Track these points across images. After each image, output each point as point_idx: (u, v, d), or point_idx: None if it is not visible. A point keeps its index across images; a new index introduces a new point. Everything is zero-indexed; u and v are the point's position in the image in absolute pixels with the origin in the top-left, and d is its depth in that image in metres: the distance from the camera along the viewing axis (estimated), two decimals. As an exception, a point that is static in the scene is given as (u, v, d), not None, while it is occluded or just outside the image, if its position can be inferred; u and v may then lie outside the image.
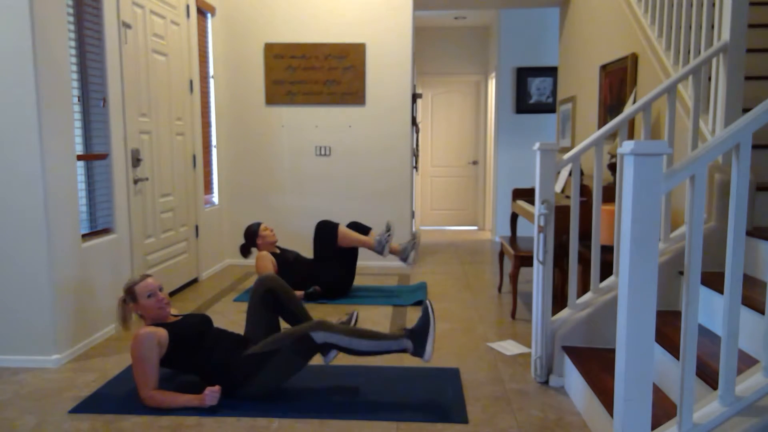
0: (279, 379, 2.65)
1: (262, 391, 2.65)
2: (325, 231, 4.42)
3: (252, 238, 4.48)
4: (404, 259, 4.48)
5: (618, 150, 1.68)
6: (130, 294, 2.69)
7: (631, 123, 3.85)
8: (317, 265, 4.47)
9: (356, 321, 3.15)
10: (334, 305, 4.27)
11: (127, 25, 3.81)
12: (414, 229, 4.59)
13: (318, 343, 2.61)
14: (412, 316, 4.00)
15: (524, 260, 3.91)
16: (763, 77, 3.24)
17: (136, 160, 3.90)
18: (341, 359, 3.15)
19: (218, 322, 3.84)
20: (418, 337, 2.64)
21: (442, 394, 2.74)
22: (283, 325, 3.36)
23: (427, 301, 2.71)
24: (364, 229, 4.54)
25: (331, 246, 4.40)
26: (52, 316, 3.08)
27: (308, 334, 2.61)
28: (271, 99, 5.61)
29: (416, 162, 6.72)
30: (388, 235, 4.39)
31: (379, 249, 4.39)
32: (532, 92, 7.15)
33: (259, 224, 4.49)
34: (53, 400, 2.70)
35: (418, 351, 2.63)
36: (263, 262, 4.33)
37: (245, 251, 4.56)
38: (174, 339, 2.61)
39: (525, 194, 4.91)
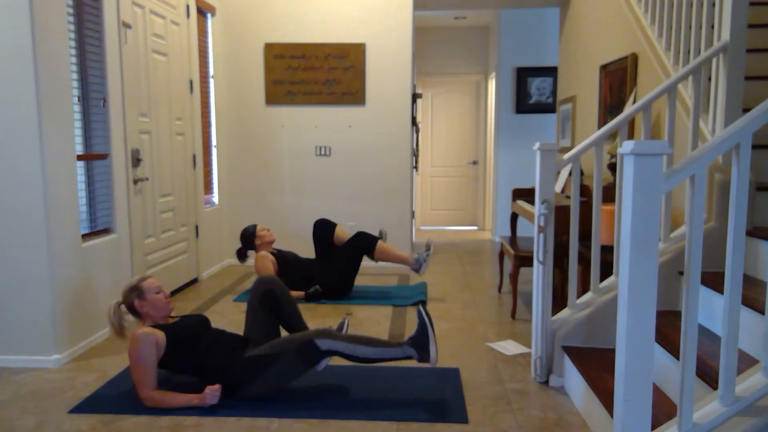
0: (279, 384, 2.65)
1: (262, 394, 2.65)
2: (363, 243, 4.38)
3: (250, 239, 4.47)
4: (416, 269, 4.44)
5: (618, 150, 1.68)
6: (137, 290, 2.68)
7: (631, 123, 3.85)
8: (317, 265, 4.47)
9: (347, 328, 3.11)
10: (334, 305, 4.27)
11: (127, 25, 3.81)
12: (428, 241, 4.60)
13: (322, 350, 2.62)
14: (413, 316, 4.00)
15: (524, 260, 3.91)
16: (763, 77, 3.24)
17: (136, 160, 3.90)
18: (341, 359, 3.14)
19: (218, 322, 3.84)
20: (419, 343, 2.65)
21: (442, 394, 2.74)
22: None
23: (420, 307, 2.73)
24: (372, 239, 4.46)
25: (361, 256, 4.39)
26: (52, 316, 3.08)
27: (313, 341, 2.61)
28: (271, 99, 5.61)
29: (416, 162, 6.72)
30: (427, 255, 4.38)
31: (416, 267, 4.37)
32: (532, 92, 7.15)
33: (255, 226, 4.49)
34: (53, 400, 2.69)
35: (423, 356, 2.65)
36: (263, 262, 4.33)
37: (242, 255, 4.52)
38: (172, 341, 2.61)
39: (525, 194, 4.91)
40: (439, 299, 4.47)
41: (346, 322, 3.09)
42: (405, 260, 4.39)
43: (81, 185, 3.46)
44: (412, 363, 3.12)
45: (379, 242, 4.39)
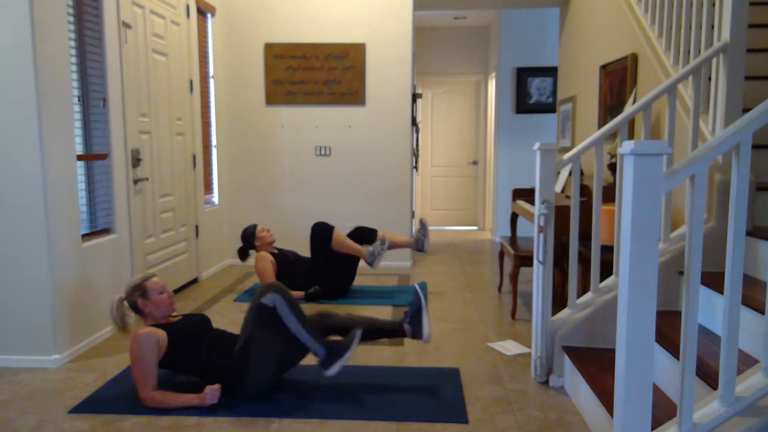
0: (271, 366, 2.63)
1: (263, 384, 2.64)
2: (320, 233, 4.39)
3: (249, 240, 4.47)
4: (420, 249, 4.56)
5: (618, 150, 1.68)
6: (141, 289, 2.68)
7: (631, 123, 3.85)
8: (317, 265, 4.46)
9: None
10: (333, 305, 4.27)
11: (127, 25, 3.81)
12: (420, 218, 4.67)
13: (270, 307, 2.60)
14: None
15: (524, 260, 3.91)
16: (763, 77, 3.24)
17: (136, 160, 3.90)
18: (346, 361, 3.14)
19: (218, 322, 3.84)
20: (333, 352, 2.64)
21: (442, 394, 2.74)
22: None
23: (359, 331, 2.70)
24: (370, 233, 4.52)
25: (325, 248, 4.37)
26: (52, 316, 3.08)
27: (260, 302, 2.61)
28: (271, 99, 5.61)
29: (416, 162, 6.72)
30: (382, 248, 4.37)
31: (370, 260, 4.36)
32: (532, 92, 7.15)
33: (255, 226, 4.49)
34: (53, 400, 2.69)
35: (326, 364, 2.64)
36: (263, 262, 4.33)
37: (243, 254, 4.53)
38: (173, 340, 2.61)
39: (525, 194, 4.91)
40: (439, 299, 4.47)
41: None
42: (360, 253, 4.39)
43: (81, 185, 3.46)
44: (413, 362, 3.12)
45: (335, 231, 4.38)
